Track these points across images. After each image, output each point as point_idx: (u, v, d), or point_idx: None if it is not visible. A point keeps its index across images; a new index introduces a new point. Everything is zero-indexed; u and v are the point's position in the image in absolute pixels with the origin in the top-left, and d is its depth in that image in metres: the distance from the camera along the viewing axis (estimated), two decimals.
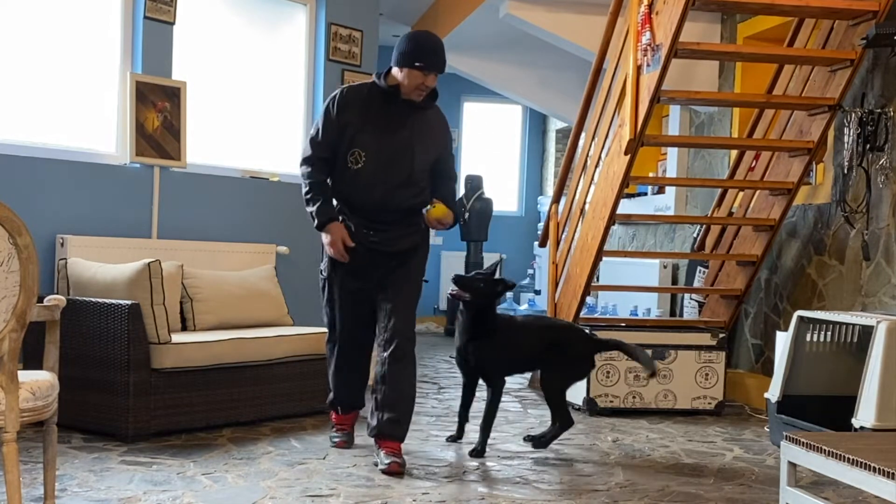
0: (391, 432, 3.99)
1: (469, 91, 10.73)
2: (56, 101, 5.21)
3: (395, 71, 4.00)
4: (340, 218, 4.08)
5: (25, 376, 2.83)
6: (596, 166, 6.06)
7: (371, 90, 4.07)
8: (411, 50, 3.94)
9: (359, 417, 4.51)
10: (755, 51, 5.84)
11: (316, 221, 4.03)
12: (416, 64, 3.91)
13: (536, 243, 8.69)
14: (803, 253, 5.79)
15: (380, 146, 3.99)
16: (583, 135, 6.48)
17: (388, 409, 3.99)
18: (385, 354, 4.00)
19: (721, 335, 5.63)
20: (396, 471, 3.85)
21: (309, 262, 6.19)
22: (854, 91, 5.31)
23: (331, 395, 4.41)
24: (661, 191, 7.60)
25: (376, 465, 3.94)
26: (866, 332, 4.33)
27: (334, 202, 4.11)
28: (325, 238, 4.05)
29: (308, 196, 4.05)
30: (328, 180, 4.09)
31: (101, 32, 5.37)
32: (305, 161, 4.08)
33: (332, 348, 4.32)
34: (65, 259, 4.82)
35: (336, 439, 4.39)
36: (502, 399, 4.47)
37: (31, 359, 3.48)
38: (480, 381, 4.43)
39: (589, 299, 7.08)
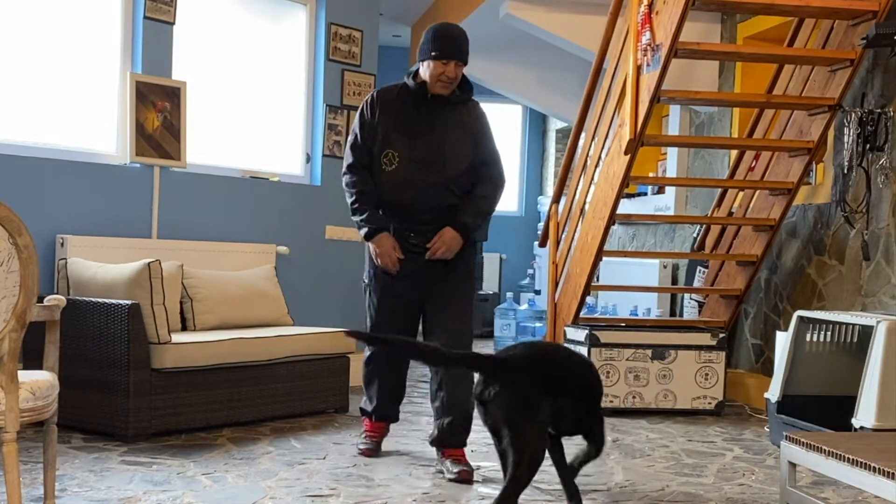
0: (454, 441, 3.95)
1: None
2: (56, 101, 5.21)
3: (420, 68, 3.94)
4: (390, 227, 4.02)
5: (25, 376, 2.83)
6: (596, 166, 6.07)
7: (402, 90, 4.01)
8: (428, 40, 3.89)
9: (388, 431, 4.40)
10: (755, 51, 5.84)
11: (365, 230, 3.97)
12: (433, 53, 3.86)
13: (536, 243, 8.69)
14: (803, 253, 5.79)
15: (412, 146, 3.92)
16: (583, 135, 6.48)
17: (447, 416, 3.94)
18: (440, 370, 3.95)
19: (721, 335, 5.63)
20: (467, 478, 3.80)
21: (309, 263, 6.20)
22: (854, 91, 5.31)
23: (366, 403, 4.31)
24: (661, 191, 7.60)
25: (441, 473, 3.90)
26: (866, 332, 4.32)
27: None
28: (374, 249, 3.98)
29: (356, 206, 3.98)
30: (374, 189, 4.00)
31: (101, 32, 5.37)
32: (350, 169, 4.01)
33: (370, 355, 4.25)
34: (65, 259, 4.82)
35: (363, 447, 4.26)
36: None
37: (31, 359, 3.47)
38: None
39: (589, 299, 7.08)
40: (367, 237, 3.98)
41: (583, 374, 3.43)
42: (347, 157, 4.04)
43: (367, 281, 4.14)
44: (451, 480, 3.80)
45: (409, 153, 3.91)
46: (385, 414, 4.31)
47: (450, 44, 3.88)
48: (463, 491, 3.67)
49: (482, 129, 4.04)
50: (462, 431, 3.97)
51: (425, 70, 3.90)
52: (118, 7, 5.39)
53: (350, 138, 4.06)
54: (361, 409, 4.34)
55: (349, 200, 4.02)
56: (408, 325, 4.10)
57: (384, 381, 4.25)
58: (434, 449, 4.07)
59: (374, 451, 4.24)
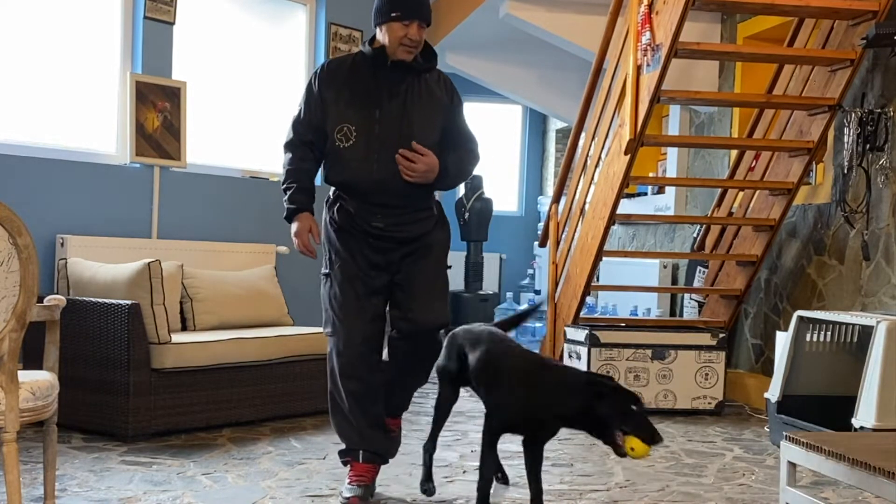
0: (395, 412, 3.68)
1: (469, 91, 10.70)
2: (56, 101, 5.21)
3: (377, 33, 3.46)
4: (338, 209, 3.53)
5: (25, 376, 2.83)
6: (596, 166, 6.07)
7: (356, 59, 3.52)
8: (386, 1, 3.40)
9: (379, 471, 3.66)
10: (755, 51, 5.84)
11: (285, 211, 3.51)
12: (393, 14, 3.36)
13: (536, 243, 8.70)
14: (803, 253, 5.79)
15: (370, 119, 3.40)
16: (583, 135, 6.48)
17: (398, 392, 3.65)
18: (400, 342, 3.51)
19: (721, 335, 5.63)
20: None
21: (309, 262, 6.18)
22: (854, 91, 5.31)
23: (346, 441, 3.56)
24: (661, 191, 7.60)
25: None
26: (866, 332, 4.33)
27: (332, 191, 3.58)
28: (292, 228, 3.51)
29: (283, 185, 3.53)
30: (313, 167, 3.55)
31: (101, 32, 5.37)
32: (286, 146, 3.57)
33: (334, 373, 3.50)
34: (65, 259, 4.82)
35: (349, 495, 3.44)
36: None
37: (31, 359, 3.47)
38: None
39: (589, 299, 7.08)
40: (287, 218, 3.52)
41: None
42: (288, 134, 3.58)
43: (326, 271, 3.56)
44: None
45: (369, 125, 3.39)
46: (375, 448, 3.52)
47: (411, 2, 3.38)
48: (463, 491, 3.67)
49: (451, 99, 3.57)
50: (404, 406, 3.73)
51: (384, 35, 3.40)
52: (118, 7, 5.39)
53: (294, 113, 3.60)
54: (341, 451, 3.59)
55: (281, 180, 3.57)
56: (376, 314, 3.49)
57: (365, 396, 3.48)
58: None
59: (363, 498, 3.45)
